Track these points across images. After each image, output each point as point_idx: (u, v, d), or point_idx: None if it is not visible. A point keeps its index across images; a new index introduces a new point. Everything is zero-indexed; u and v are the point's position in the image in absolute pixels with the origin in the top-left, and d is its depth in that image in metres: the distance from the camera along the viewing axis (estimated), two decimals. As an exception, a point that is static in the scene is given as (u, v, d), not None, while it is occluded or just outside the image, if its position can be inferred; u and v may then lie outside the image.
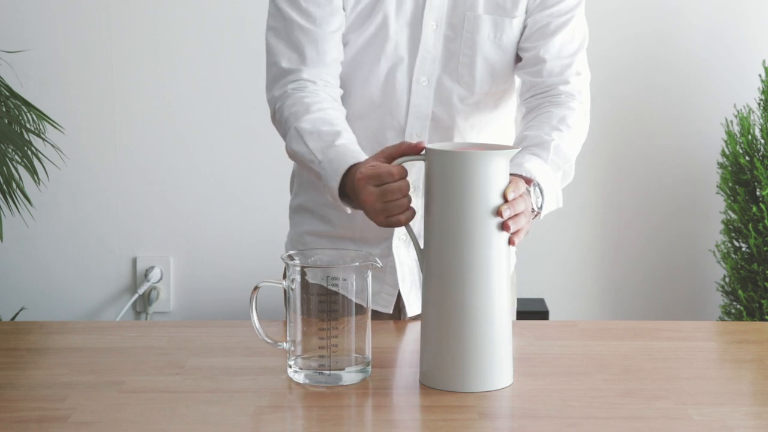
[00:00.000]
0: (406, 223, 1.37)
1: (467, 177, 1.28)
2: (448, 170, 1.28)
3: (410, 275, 1.67)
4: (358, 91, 1.62)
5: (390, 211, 1.36)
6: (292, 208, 1.75)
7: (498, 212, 1.30)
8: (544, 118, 1.61)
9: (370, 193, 1.36)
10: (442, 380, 1.31)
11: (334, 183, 1.46)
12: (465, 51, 1.61)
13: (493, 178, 1.29)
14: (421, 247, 1.34)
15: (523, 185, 1.37)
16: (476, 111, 1.64)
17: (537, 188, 1.50)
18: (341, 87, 1.62)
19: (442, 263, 1.30)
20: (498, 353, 1.31)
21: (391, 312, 1.68)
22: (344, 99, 1.62)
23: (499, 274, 1.30)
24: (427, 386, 1.31)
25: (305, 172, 1.64)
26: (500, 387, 1.31)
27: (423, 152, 1.34)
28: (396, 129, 1.62)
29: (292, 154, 1.58)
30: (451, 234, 1.29)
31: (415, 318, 1.68)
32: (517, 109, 1.74)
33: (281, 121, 1.58)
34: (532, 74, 1.64)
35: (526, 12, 1.62)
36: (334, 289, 1.29)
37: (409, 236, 1.40)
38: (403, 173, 1.35)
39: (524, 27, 1.63)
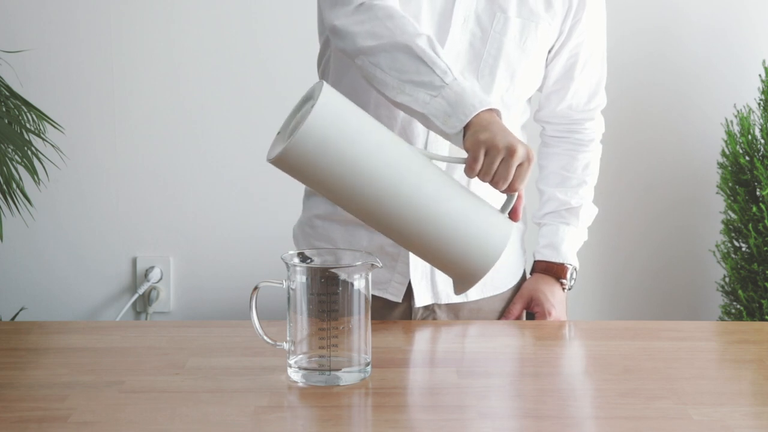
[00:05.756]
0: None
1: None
2: None
3: (422, 265, 1.67)
4: None
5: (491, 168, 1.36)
6: (306, 192, 1.75)
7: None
8: (569, 166, 1.78)
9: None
10: None
11: (477, 104, 1.38)
12: (490, 51, 1.61)
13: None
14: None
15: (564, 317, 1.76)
16: None
17: (573, 271, 1.77)
18: None
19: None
20: None
21: (400, 301, 1.68)
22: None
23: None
24: None
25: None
26: None
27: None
28: None
29: (397, 46, 1.44)
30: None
31: (423, 309, 1.68)
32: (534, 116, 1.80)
33: (387, 15, 1.47)
34: (558, 95, 1.73)
35: (558, 36, 1.67)
36: (334, 288, 1.29)
37: None
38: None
39: (553, 57, 1.69)
